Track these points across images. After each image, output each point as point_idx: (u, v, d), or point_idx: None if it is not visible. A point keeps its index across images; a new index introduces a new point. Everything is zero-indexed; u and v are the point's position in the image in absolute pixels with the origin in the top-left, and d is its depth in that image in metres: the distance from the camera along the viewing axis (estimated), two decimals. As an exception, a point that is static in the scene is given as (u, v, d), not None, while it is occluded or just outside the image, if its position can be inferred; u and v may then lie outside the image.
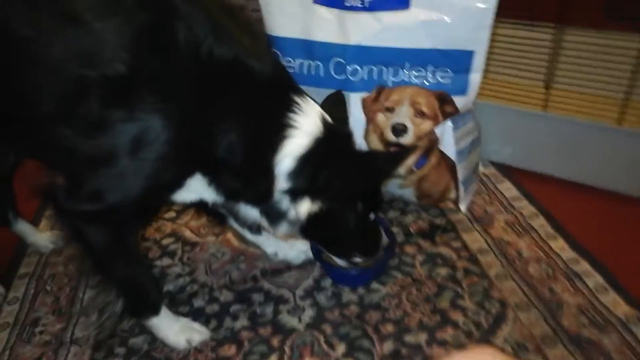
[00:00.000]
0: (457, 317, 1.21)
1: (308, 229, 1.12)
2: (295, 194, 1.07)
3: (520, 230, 1.47)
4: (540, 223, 1.49)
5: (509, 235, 1.46)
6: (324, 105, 1.12)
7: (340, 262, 1.29)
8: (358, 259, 1.27)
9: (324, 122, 1.07)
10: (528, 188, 1.65)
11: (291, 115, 1.02)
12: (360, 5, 1.31)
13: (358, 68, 1.36)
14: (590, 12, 1.42)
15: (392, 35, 1.30)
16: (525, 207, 1.57)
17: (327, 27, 1.36)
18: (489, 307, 1.23)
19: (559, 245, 1.40)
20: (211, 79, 0.95)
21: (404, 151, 1.20)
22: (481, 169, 1.74)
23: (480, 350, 0.51)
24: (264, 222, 1.16)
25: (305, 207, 1.07)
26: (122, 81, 0.90)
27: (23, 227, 1.53)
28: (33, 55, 0.90)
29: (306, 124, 1.03)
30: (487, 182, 1.70)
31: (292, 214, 1.10)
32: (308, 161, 1.03)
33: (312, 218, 1.08)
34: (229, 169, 1.03)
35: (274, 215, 1.12)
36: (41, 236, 1.55)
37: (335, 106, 1.17)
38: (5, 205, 1.47)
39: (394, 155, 1.13)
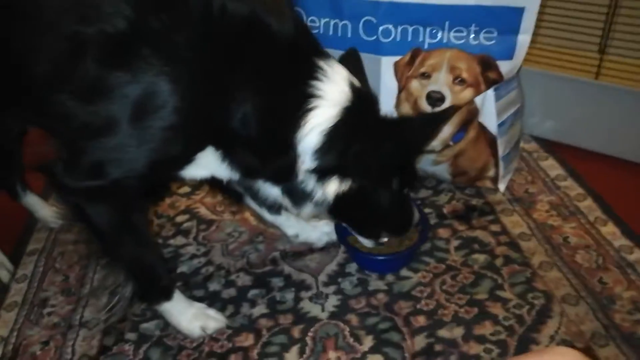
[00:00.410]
0: (497, 310, 1.10)
1: (337, 209, 1.01)
2: (322, 173, 0.95)
3: (566, 213, 1.33)
4: (588, 205, 1.35)
5: (553, 218, 1.32)
6: (340, 62, 0.99)
7: (366, 242, 1.18)
8: (386, 239, 1.17)
9: (352, 88, 0.94)
10: (574, 166, 1.49)
11: (315, 82, 0.90)
12: (395, -43, 1.15)
13: (391, 28, 1.21)
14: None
15: (430, -10, 1.14)
16: (572, 187, 1.42)
17: (358, -18, 1.20)
18: (532, 299, 1.11)
19: (610, 230, 1.26)
20: (224, 38, 0.84)
21: (443, 112, 1.06)
22: (522, 144, 1.58)
23: (562, 351, 0.46)
24: (286, 202, 1.05)
25: (333, 187, 0.96)
26: (123, 39, 0.80)
27: (32, 200, 1.45)
28: (26, 9, 0.82)
29: (332, 93, 0.91)
30: (528, 159, 1.55)
31: (318, 194, 0.99)
32: (336, 136, 0.91)
33: (341, 198, 0.97)
34: (245, 143, 0.92)
35: (298, 196, 1.01)
36: (50, 210, 1.47)
37: (351, 64, 1.03)
38: (13, 177, 1.39)
39: (430, 118, 1.00)
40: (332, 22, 1.26)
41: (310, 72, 0.90)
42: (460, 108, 1.21)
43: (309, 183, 0.97)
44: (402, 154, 1.00)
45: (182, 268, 1.29)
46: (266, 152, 0.94)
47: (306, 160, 0.94)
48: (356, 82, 0.97)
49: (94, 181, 0.88)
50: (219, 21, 0.83)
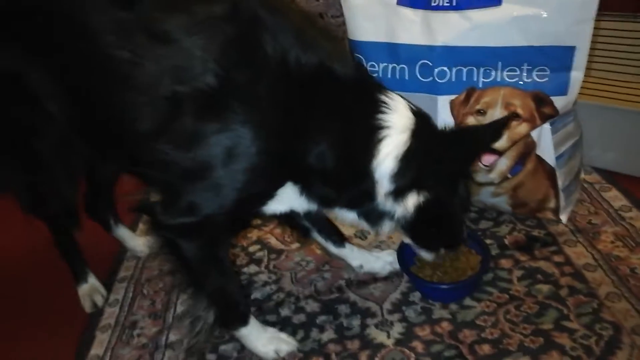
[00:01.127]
0: (564, 340, 1.10)
1: (416, 222, 1.06)
2: (399, 194, 1.03)
3: (633, 244, 1.33)
4: (655, 236, 1.34)
5: (619, 249, 1.32)
6: None
7: (427, 255, 1.21)
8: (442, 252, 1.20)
9: (413, 111, 1.03)
10: (638, 196, 1.48)
11: (381, 115, 0.99)
12: (447, 4, 1.25)
13: (446, 70, 1.30)
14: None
15: (483, 33, 1.22)
16: (637, 217, 1.41)
17: (412, 29, 1.31)
18: (600, 330, 1.11)
19: (680, 262, 1.24)
20: (299, 87, 0.95)
21: (501, 120, 1.11)
22: (583, 175, 1.59)
23: None
24: (363, 224, 1.12)
25: (412, 201, 1.03)
26: (214, 93, 0.92)
27: (122, 232, 1.63)
28: (129, 76, 0.95)
29: (398, 121, 1.00)
30: (590, 190, 1.56)
31: (398, 211, 1.05)
32: (410, 158, 0.99)
33: (420, 210, 1.04)
34: (321, 177, 1.02)
35: (375, 216, 1.08)
36: (138, 241, 1.64)
37: None
38: (107, 212, 1.58)
39: (490, 126, 1.06)
40: (390, 67, 1.37)
41: (376, 107, 0.99)
42: (513, 118, 1.25)
43: (387, 204, 1.05)
44: (466, 158, 1.05)
45: (256, 294, 1.39)
46: (341, 183, 1.03)
47: (384, 185, 1.01)
48: (413, 106, 1.05)
49: (188, 218, 0.99)
50: (294, 71, 0.95)
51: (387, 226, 1.08)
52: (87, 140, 1.13)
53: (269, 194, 1.04)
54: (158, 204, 1.02)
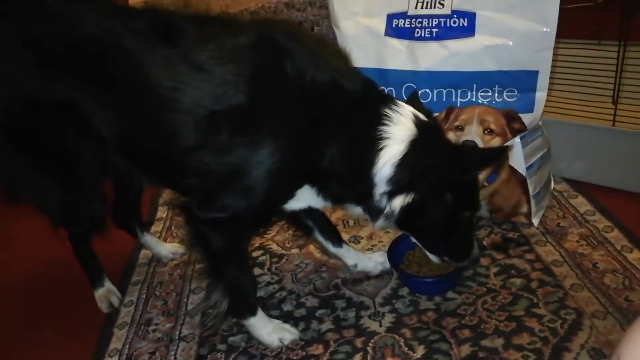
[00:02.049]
0: (533, 324, 1.26)
1: (401, 220, 1.20)
2: (392, 194, 1.18)
3: (595, 243, 1.50)
4: (615, 236, 1.51)
5: (583, 247, 1.49)
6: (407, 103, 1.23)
7: (433, 258, 1.33)
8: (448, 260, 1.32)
9: (417, 122, 1.16)
10: (602, 202, 1.66)
11: (383, 127, 1.14)
12: (428, 36, 1.44)
13: (428, 91, 1.48)
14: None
15: (459, 60, 1.42)
16: (599, 220, 1.59)
17: (399, 57, 1.50)
18: (565, 315, 1.27)
19: (635, 256, 1.42)
20: (315, 102, 1.12)
21: (498, 148, 1.26)
22: (553, 185, 1.77)
23: None
24: (366, 217, 1.26)
25: (399, 201, 1.17)
26: (245, 111, 1.10)
27: (149, 239, 1.78)
28: (175, 100, 1.11)
29: (398, 133, 1.14)
30: (559, 198, 1.74)
31: (388, 209, 1.20)
32: (404, 166, 1.14)
33: (405, 209, 1.18)
34: (333, 179, 1.18)
35: (375, 212, 1.22)
36: (164, 247, 1.79)
37: (416, 103, 1.27)
38: (134, 220, 1.73)
39: (486, 150, 1.18)
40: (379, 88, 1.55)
41: (379, 120, 1.14)
42: (506, 152, 1.38)
43: (383, 202, 1.20)
44: (453, 172, 1.17)
45: (260, 293, 1.54)
46: (350, 184, 1.19)
47: (381, 187, 1.17)
48: (422, 116, 1.19)
49: (220, 213, 1.16)
50: (310, 89, 1.11)
51: (381, 221, 1.23)
52: (133, 159, 1.27)
53: (290, 194, 1.21)
54: (194, 202, 1.18)
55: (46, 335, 1.55)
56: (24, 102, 1.22)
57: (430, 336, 1.28)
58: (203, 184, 1.16)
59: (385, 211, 1.20)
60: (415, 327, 1.32)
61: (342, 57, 1.23)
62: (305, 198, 1.22)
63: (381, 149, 1.14)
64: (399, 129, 1.15)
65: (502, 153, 1.27)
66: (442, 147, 1.19)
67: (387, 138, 1.14)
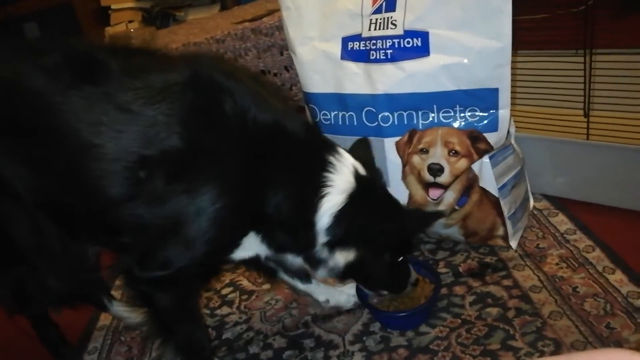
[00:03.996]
0: (509, 359, 1.18)
1: (345, 274, 1.20)
2: (331, 245, 1.14)
3: (576, 264, 1.42)
4: (596, 256, 1.43)
5: (563, 270, 1.40)
6: (351, 150, 1.21)
7: (370, 293, 1.35)
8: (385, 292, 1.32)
9: (356, 176, 1.14)
10: (584, 220, 1.58)
11: (326, 174, 1.10)
12: (383, 57, 1.39)
13: (388, 115, 1.42)
14: (615, 35, 1.39)
15: (416, 81, 1.36)
16: (581, 240, 1.50)
17: (356, 80, 1.44)
18: (542, 347, 1.19)
19: (618, 278, 1.33)
20: (258, 145, 1.05)
21: (434, 213, 1.33)
22: (533, 203, 1.69)
23: (614, 352, 0.45)
24: (307, 267, 1.23)
25: (342, 257, 1.16)
26: (180, 155, 1.00)
27: (118, 309, 1.57)
28: (99, 145, 1.00)
29: (340, 182, 1.11)
30: (539, 216, 1.66)
31: (331, 261, 1.17)
32: (342, 217, 1.11)
33: (348, 266, 1.16)
34: (278, 225, 1.11)
35: (315, 262, 1.19)
36: (137, 314, 1.55)
37: (362, 150, 1.25)
38: (99, 293, 1.54)
39: (423, 214, 1.23)
40: (340, 114, 1.50)
41: (322, 166, 1.10)
42: (446, 215, 1.46)
43: (323, 252, 1.16)
44: (392, 233, 1.18)
45: (227, 334, 1.46)
46: (294, 230, 1.13)
47: (322, 236, 1.13)
48: (361, 170, 1.16)
49: (162, 272, 1.06)
50: (252, 131, 1.04)
51: (322, 271, 1.19)
52: (57, 219, 1.12)
53: (235, 243, 1.13)
54: (134, 261, 1.07)
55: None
56: None
57: (400, 377, 1.20)
58: (139, 240, 1.06)
59: (328, 263, 1.16)
60: (385, 367, 1.24)
61: (281, 97, 1.17)
62: (251, 246, 1.15)
63: (323, 196, 1.09)
64: (341, 179, 1.10)
65: (438, 217, 1.39)
66: (377, 207, 1.17)
67: (329, 186, 1.09)
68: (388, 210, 1.19)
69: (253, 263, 1.39)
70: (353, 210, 1.11)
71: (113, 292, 1.60)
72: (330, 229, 1.11)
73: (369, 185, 1.16)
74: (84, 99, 1.00)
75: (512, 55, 1.29)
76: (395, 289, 1.31)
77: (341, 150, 1.16)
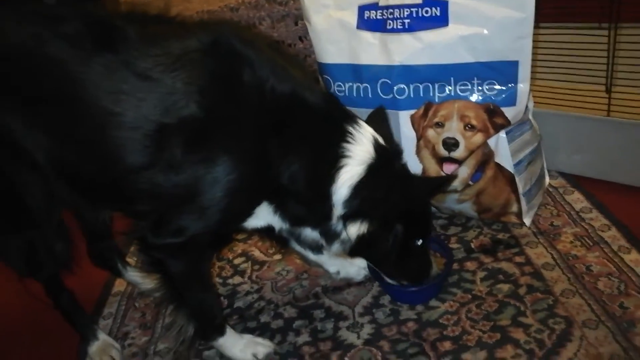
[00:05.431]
0: (519, 335, 1.18)
1: (355, 248, 1.18)
2: (346, 218, 1.13)
3: (590, 243, 1.40)
4: (612, 235, 1.40)
5: (577, 249, 1.39)
6: (367, 122, 1.18)
7: (391, 282, 1.32)
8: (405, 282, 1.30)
9: (376, 146, 1.12)
10: (600, 198, 1.56)
11: (345, 145, 1.08)
12: (400, 27, 1.35)
13: (404, 87, 1.39)
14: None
15: (434, 52, 1.32)
16: (596, 218, 1.48)
17: (372, 51, 1.41)
18: (553, 324, 1.18)
19: (633, 258, 1.31)
20: (274, 115, 1.04)
21: (442, 178, 1.28)
22: (548, 180, 1.66)
23: None
24: (322, 242, 1.22)
25: (354, 229, 1.14)
26: (199, 124, 1.00)
27: (133, 275, 1.61)
28: (119, 114, 0.99)
29: (359, 153, 1.09)
30: (554, 194, 1.63)
31: (344, 234, 1.16)
32: (361, 189, 1.09)
33: (361, 238, 1.14)
34: (293, 197, 1.11)
35: (331, 236, 1.18)
36: (150, 280, 1.54)
37: (378, 122, 1.21)
38: (113, 258, 1.56)
39: (432, 181, 1.18)
40: (354, 86, 1.47)
41: (341, 136, 1.09)
42: (452, 180, 1.42)
43: (339, 226, 1.15)
44: (403, 203, 1.14)
45: (238, 304, 1.49)
46: (309, 203, 1.12)
47: (338, 208, 1.12)
48: (380, 140, 1.14)
49: (176, 239, 1.07)
50: (270, 101, 1.03)
51: (336, 246, 1.18)
52: (76, 187, 1.12)
53: (248, 212, 1.13)
54: (148, 227, 1.09)
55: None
56: None
57: (409, 349, 1.21)
58: (155, 207, 1.07)
59: (341, 237, 1.15)
60: (394, 340, 1.25)
61: (299, 66, 1.14)
62: (264, 216, 1.15)
63: (341, 167, 1.07)
64: (360, 149, 1.08)
65: (448, 182, 1.34)
66: (394, 178, 1.14)
67: (348, 157, 1.08)
68: (400, 180, 1.15)
69: (266, 232, 1.39)
70: (370, 182, 1.09)
71: (128, 259, 1.64)
72: (348, 202, 1.10)
73: (388, 157, 1.14)
74: (104, 67, 0.99)
75: (534, 28, 1.25)
76: (414, 278, 1.28)
77: (361, 121, 1.14)
